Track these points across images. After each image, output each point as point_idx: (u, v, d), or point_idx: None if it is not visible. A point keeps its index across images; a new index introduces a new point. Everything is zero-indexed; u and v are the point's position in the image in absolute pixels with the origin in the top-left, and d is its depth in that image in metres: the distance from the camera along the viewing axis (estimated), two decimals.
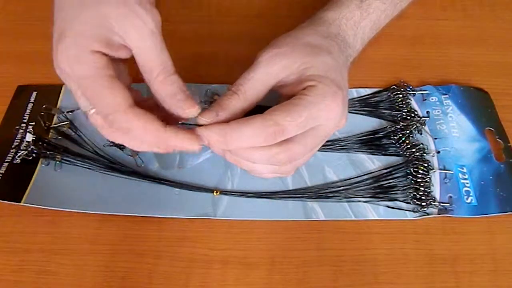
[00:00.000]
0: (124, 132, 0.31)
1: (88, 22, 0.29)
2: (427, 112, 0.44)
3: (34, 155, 0.40)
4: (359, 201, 0.38)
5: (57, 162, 0.39)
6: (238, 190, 0.39)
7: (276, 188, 0.39)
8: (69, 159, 0.40)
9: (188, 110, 0.31)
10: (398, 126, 0.42)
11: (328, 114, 0.32)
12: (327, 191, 0.39)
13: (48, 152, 0.40)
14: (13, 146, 0.40)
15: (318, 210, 0.38)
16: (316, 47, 0.34)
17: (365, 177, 0.40)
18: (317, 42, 0.35)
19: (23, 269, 0.35)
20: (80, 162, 0.39)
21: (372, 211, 0.38)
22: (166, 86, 0.31)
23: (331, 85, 0.32)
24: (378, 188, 0.39)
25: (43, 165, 0.39)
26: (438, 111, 0.44)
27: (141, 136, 0.31)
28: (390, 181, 0.39)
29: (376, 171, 0.40)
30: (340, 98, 0.32)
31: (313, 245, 0.37)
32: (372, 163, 0.41)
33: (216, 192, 0.38)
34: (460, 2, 0.53)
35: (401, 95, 0.44)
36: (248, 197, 0.38)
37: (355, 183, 0.39)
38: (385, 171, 0.40)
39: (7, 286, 0.35)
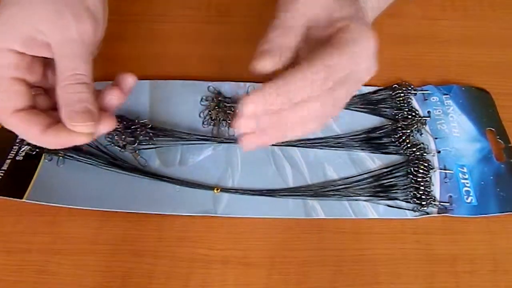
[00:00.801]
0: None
1: (11, 16, 0.30)
2: (428, 112, 0.44)
3: (37, 150, 0.40)
4: (359, 199, 0.38)
5: (60, 157, 0.39)
6: (238, 187, 0.39)
7: (276, 186, 0.39)
8: (71, 155, 0.40)
9: (74, 123, 0.30)
10: (399, 125, 0.42)
11: (366, 49, 0.31)
12: (327, 189, 0.39)
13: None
14: (16, 143, 0.40)
15: (318, 208, 0.38)
16: None
17: (366, 175, 0.40)
18: None
19: (23, 269, 0.35)
20: (83, 158, 0.39)
21: (372, 210, 0.38)
22: (64, 93, 0.30)
23: (363, 24, 0.31)
24: (378, 187, 0.39)
25: (46, 161, 0.39)
26: (439, 111, 0.44)
27: (27, 137, 0.32)
28: (391, 180, 0.39)
29: (376, 170, 0.40)
30: (373, 35, 0.31)
31: (313, 245, 0.37)
32: (373, 161, 0.41)
33: (217, 190, 0.38)
34: (460, 2, 0.53)
35: (402, 94, 0.44)
36: (249, 194, 0.38)
37: (356, 181, 0.39)
38: (385, 170, 0.40)
39: (7, 286, 0.35)
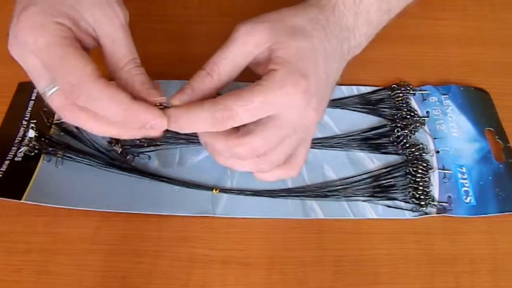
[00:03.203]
0: (88, 113, 0.30)
1: (58, 1, 0.30)
2: (427, 112, 0.44)
3: (36, 151, 0.40)
4: (358, 200, 0.38)
5: (59, 158, 0.39)
6: (237, 188, 0.39)
7: (275, 186, 0.39)
8: (70, 156, 0.40)
9: (158, 97, 0.31)
10: (398, 125, 0.42)
11: (287, 102, 0.30)
12: (326, 190, 0.39)
13: (50, 148, 0.40)
14: (15, 143, 0.40)
15: (317, 209, 0.38)
16: (295, 28, 0.32)
17: (364, 176, 0.40)
18: (298, 24, 0.33)
19: (23, 269, 0.35)
20: (81, 159, 0.40)
21: (371, 210, 0.38)
22: (135, 75, 0.31)
23: (293, 73, 0.30)
24: (377, 187, 0.39)
25: (44, 161, 0.39)
26: (438, 111, 0.44)
27: (109, 109, 0.29)
28: (389, 180, 0.39)
29: (375, 170, 0.40)
30: (302, 87, 0.30)
31: (313, 245, 0.37)
32: (372, 162, 0.41)
33: (216, 190, 0.38)
34: (460, 2, 0.53)
35: (401, 94, 0.44)
36: (247, 195, 0.38)
37: (354, 182, 0.39)
38: (384, 170, 0.40)
39: (7, 286, 0.35)
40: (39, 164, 0.39)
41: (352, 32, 0.36)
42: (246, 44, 0.32)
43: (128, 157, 0.40)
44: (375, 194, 0.39)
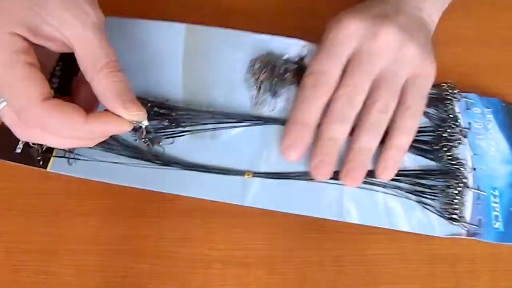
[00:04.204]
0: (41, 129, 0.29)
1: (18, 3, 0.28)
2: (469, 123, 0.40)
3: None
4: (396, 195, 0.36)
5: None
6: (273, 171, 0.35)
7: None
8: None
9: (135, 112, 0.29)
10: (443, 135, 0.39)
11: (346, 29, 0.36)
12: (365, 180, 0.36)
13: None
14: None
15: (353, 211, 0.36)
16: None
17: (402, 175, 0.37)
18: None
19: (23, 269, 0.35)
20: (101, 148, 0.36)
21: (405, 221, 0.35)
22: (111, 82, 0.28)
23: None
24: (415, 188, 0.37)
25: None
26: (480, 125, 0.40)
27: (63, 131, 0.29)
28: (426, 189, 0.37)
29: (412, 170, 0.37)
30: (352, 16, 0.36)
31: (313, 245, 0.37)
32: (411, 162, 0.38)
33: (248, 175, 0.35)
34: (460, 2, 0.53)
35: (448, 97, 0.40)
36: (282, 178, 0.35)
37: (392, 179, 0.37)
38: (420, 171, 0.37)
39: (7, 286, 0.35)
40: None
41: None
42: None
43: (152, 145, 0.36)
44: (413, 193, 0.36)
